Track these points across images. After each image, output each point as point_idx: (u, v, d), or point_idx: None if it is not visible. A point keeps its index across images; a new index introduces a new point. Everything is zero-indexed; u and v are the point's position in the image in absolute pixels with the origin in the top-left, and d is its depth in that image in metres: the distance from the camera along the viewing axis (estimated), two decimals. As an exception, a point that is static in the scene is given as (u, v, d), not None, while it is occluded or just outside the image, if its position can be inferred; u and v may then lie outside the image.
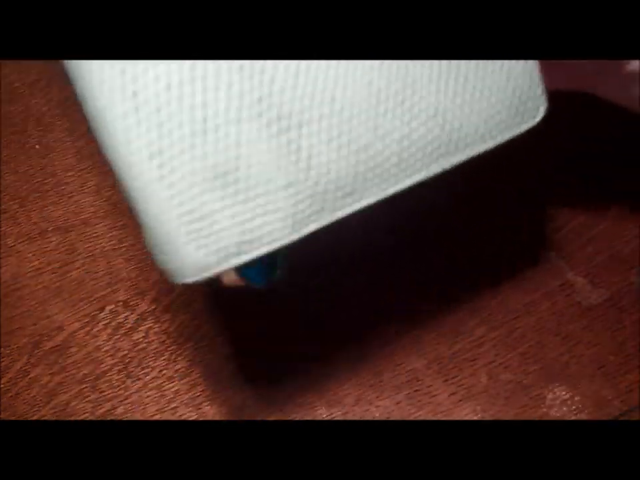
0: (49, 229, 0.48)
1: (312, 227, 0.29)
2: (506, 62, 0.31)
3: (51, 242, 0.47)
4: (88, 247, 0.47)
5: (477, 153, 0.30)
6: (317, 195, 0.29)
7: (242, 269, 0.30)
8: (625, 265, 0.43)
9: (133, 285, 0.45)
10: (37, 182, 0.49)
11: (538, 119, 0.31)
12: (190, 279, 0.29)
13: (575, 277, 0.43)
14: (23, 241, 0.47)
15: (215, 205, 0.28)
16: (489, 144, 0.30)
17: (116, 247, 0.47)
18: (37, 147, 0.50)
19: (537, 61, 0.31)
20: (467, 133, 0.30)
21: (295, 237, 0.29)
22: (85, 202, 0.48)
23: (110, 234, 0.47)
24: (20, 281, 0.46)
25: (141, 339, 0.44)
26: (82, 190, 0.48)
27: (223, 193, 0.29)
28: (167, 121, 0.30)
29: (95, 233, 0.47)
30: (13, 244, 0.47)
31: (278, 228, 0.29)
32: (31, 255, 0.47)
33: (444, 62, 0.30)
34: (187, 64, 0.31)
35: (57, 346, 0.44)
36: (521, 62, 0.31)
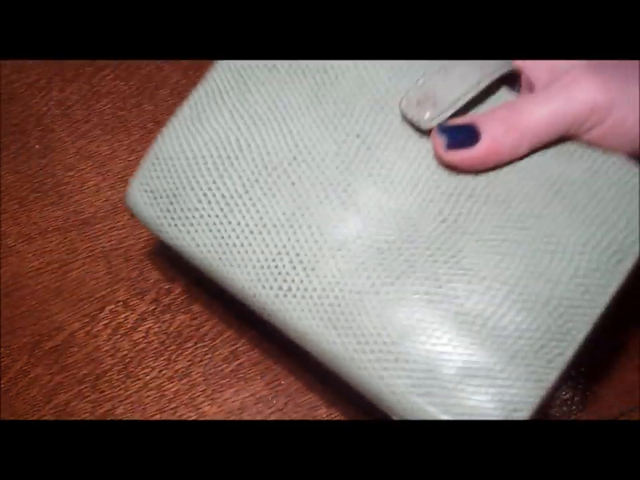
0: (49, 229, 0.48)
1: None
2: (611, 175, 0.32)
3: (51, 242, 0.47)
4: (88, 246, 0.47)
5: None
6: None
7: None
8: (624, 265, 0.43)
9: (133, 285, 0.45)
10: (37, 182, 0.49)
11: None
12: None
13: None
14: (23, 241, 0.47)
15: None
16: None
17: (116, 247, 0.47)
18: (37, 146, 0.50)
19: (623, 160, 0.32)
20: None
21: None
22: (85, 202, 0.48)
23: (110, 234, 0.47)
24: (20, 281, 0.46)
25: (141, 339, 0.44)
26: (82, 190, 0.48)
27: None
28: None
29: (95, 233, 0.47)
30: (13, 244, 0.47)
31: None
32: (30, 255, 0.47)
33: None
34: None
35: (56, 346, 0.44)
36: (621, 168, 0.32)
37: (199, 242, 0.35)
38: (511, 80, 0.34)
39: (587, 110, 0.31)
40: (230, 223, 0.35)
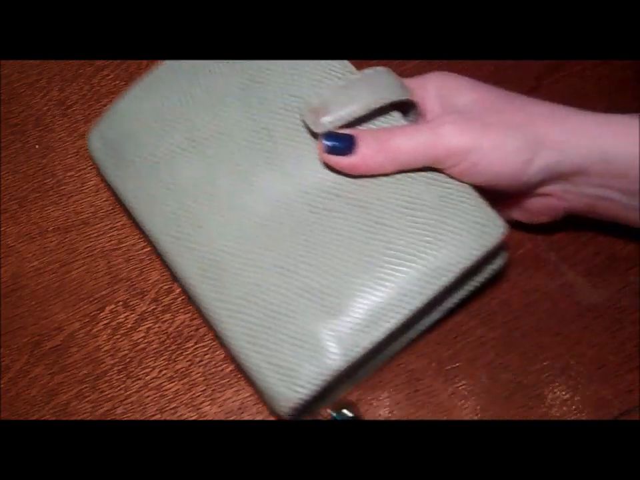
0: (49, 229, 0.48)
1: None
2: (457, 205, 0.38)
3: (51, 242, 0.47)
4: (88, 246, 0.47)
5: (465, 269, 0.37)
6: None
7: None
8: (624, 265, 0.43)
9: (133, 285, 0.45)
10: (37, 182, 0.49)
11: (502, 232, 0.38)
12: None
13: (575, 277, 0.43)
14: (23, 241, 0.47)
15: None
16: (470, 261, 0.37)
17: (116, 247, 0.47)
18: (37, 146, 0.50)
19: (479, 196, 0.38)
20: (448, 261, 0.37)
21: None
22: (85, 202, 0.48)
23: (110, 234, 0.47)
24: (20, 281, 0.46)
25: (141, 339, 0.44)
26: (82, 190, 0.48)
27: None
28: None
29: (95, 232, 0.47)
30: (13, 244, 0.47)
31: None
32: (30, 255, 0.47)
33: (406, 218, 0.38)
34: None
35: (57, 346, 0.44)
36: (467, 201, 0.38)
37: (128, 187, 0.42)
38: (410, 106, 0.41)
39: (443, 152, 0.37)
40: (154, 177, 0.42)
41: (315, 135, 0.40)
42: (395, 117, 0.40)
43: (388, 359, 0.41)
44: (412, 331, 0.40)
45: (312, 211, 0.39)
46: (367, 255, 0.38)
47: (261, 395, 0.40)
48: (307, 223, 0.39)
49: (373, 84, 0.40)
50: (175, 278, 0.44)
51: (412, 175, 0.39)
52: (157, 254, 0.45)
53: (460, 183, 0.38)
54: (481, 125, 0.37)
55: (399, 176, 0.39)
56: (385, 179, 0.39)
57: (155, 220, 0.41)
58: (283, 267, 0.38)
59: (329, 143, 0.38)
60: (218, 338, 0.41)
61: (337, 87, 0.40)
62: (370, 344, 0.36)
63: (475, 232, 0.37)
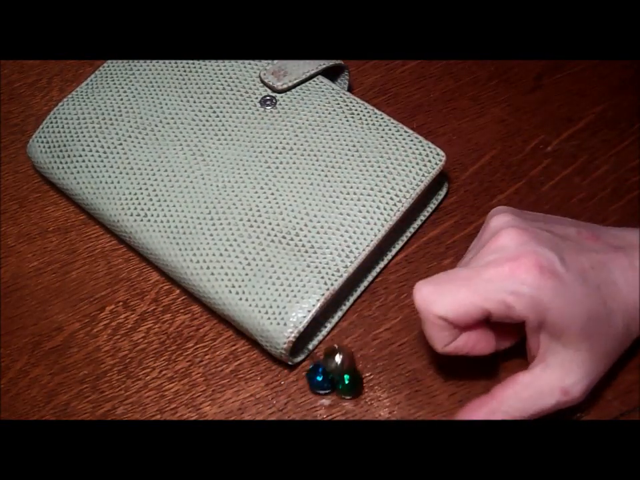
0: (49, 229, 0.48)
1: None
2: (399, 142, 0.44)
3: (51, 242, 0.47)
4: (88, 247, 0.47)
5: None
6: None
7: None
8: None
9: (133, 285, 0.45)
10: (37, 182, 0.49)
11: (442, 159, 0.43)
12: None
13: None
14: (23, 241, 0.47)
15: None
16: (420, 187, 0.43)
17: (116, 247, 0.47)
18: (37, 147, 0.50)
19: (411, 134, 0.44)
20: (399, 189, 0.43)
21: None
22: (85, 202, 0.48)
23: (110, 234, 0.47)
24: (20, 281, 0.46)
25: (141, 339, 0.44)
26: (82, 190, 0.48)
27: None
28: None
29: (95, 233, 0.47)
30: (13, 244, 0.47)
31: None
32: (30, 255, 0.47)
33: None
34: None
35: (57, 346, 0.44)
36: (407, 137, 0.44)
37: (79, 180, 0.45)
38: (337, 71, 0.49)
39: None
40: (105, 166, 0.45)
41: (259, 103, 0.46)
42: (324, 81, 0.47)
43: (368, 284, 0.44)
44: (383, 258, 0.45)
45: (269, 167, 0.44)
46: (329, 195, 0.42)
47: (256, 341, 0.41)
48: (266, 176, 0.43)
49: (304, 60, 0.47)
50: (145, 258, 0.46)
51: (352, 123, 0.44)
52: (125, 243, 0.47)
53: (397, 123, 0.45)
54: None
55: (341, 125, 0.45)
56: (329, 129, 0.44)
57: (114, 204, 0.44)
58: (251, 220, 0.42)
59: None
60: (205, 302, 0.42)
61: (282, 60, 0.46)
62: (347, 272, 0.40)
63: (419, 161, 0.43)
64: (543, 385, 0.36)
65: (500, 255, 0.35)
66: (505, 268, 0.34)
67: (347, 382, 0.40)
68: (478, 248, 0.37)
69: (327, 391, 0.41)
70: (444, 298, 0.35)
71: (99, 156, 0.45)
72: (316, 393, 0.41)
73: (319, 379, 0.40)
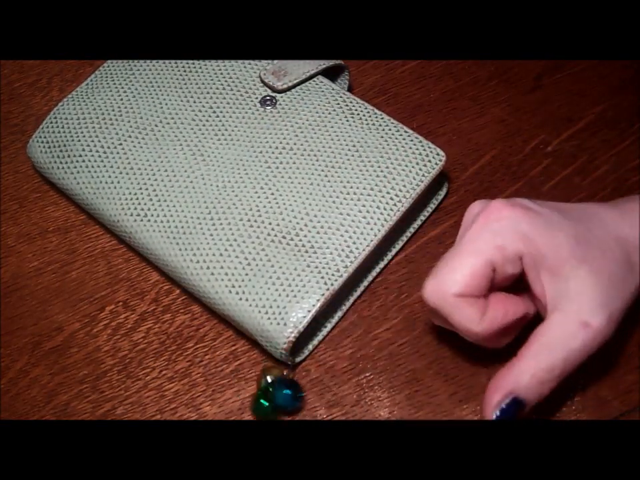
0: (49, 229, 0.48)
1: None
2: (399, 142, 0.44)
3: (51, 242, 0.47)
4: (88, 247, 0.47)
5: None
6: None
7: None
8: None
9: (133, 285, 0.45)
10: (37, 182, 0.49)
11: (442, 159, 0.43)
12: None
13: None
14: (23, 241, 0.47)
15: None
16: (420, 187, 0.43)
17: (116, 247, 0.47)
18: (37, 147, 0.50)
19: (411, 134, 0.44)
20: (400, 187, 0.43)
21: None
22: (85, 202, 0.48)
23: (110, 234, 0.47)
24: (20, 281, 0.46)
25: (141, 339, 0.44)
26: (82, 190, 0.48)
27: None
28: None
29: (95, 232, 0.47)
30: (13, 244, 0.47)
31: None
32: (31, 255, 0.47)
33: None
34: None
35: (57, 346, 0.44)
36: (407, 137, 0.44)
37: (79, 180, 0.45)
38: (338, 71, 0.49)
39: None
40: (105, 165, 0.45)
41: (259, 103, 0.46)
42: (325, 81, 0.47)
43: (368, 284, 0.44)
44: (383, 258, 0.44)
45: (269, 167, 0.44)
46: (329, 195, 0.42)
47: (256, 340, 0.41)
48: (266, 176, 0.43)
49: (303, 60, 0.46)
50: (145, 258, 0.45)
51: (352, 123, 0.44)
52: (125, 243, 0.46)
53: (397, 123, 0.45)
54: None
55: (341, 125, 0.45)
56: (329, 129, 0.44)
57: (114, 204, 0.44)
58: (251, 220, 0.42)
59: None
60: (205, 302, 0.42)
61: (281, 61, 0.46)
62: (347, 272, 0.40)
63: (419, 162, 0.43)
64: (563, 327, 0.35)
65: (473, 220, 0.37)
66: (480, 219, 0.36)
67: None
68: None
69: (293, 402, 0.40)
70: (447, 277, 0.36)
71: (99, 156, 0.45)
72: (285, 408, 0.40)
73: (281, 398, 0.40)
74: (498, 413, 0.35)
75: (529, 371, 0.35)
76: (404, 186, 0.42)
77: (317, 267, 0.40)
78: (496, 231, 0.36)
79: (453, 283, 0.35)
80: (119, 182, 0.44)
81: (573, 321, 0.35)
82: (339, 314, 0.43)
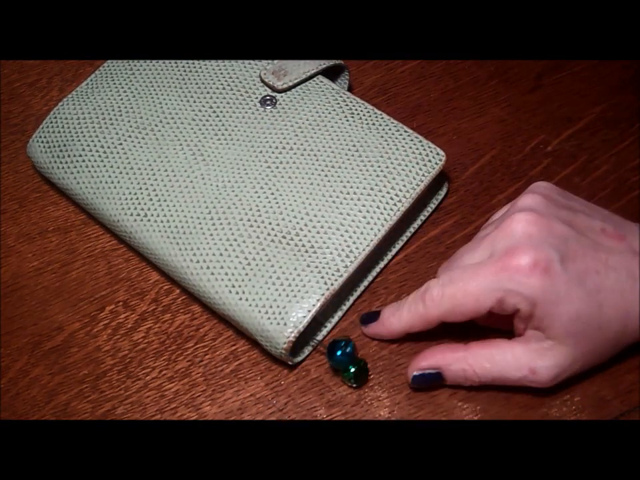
0: (49, 229, 0.48)
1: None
2: (399, 141, 0.44)
3: (51, 242, 0.47)
4: (88, 247, 0.47)
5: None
6: None
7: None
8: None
9: (133, 285, 0.45)
10: (37, 182, 0.49)
11: (442, 159, 0.43)
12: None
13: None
14: (23, 241, 0.47)
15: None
16: (420, 187, 0.43)
17: (116, 247, 0.47)
18: (37, 147, 0.50)
19: (411, 133, 0.44)
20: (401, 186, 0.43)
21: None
22: (85, 202, 0.48)
23: (110, 234, 0.47)
24: (20, 281, 0.46)
25: (141, 339, 0.44)
26: (82, 190, 0.48)
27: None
28: None
29: (95, 233, 0.47)
30: (13, 244, 0.47)
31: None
32: (30, 254, 0.47)
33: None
34: None
35: (57, 346, 0.44)
36: (407, 137, 0.44)
37: (79, 180, 0.45)
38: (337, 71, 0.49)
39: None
40: (105, 165, 0.45)
41: (260, 103, 0.46)
42: (325, 81, 0.47)
43: (368, 284, 0.44)
44: (383, 258, 0.45)
45: (269, 166, 0.44)
46: (329, 195, 0.42)
47: (256, 340, 0.41)
48: (266, 176, 0.43)
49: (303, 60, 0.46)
50: (145, 258, 0.46)
51: (352, 122, 0.45)
52: (125, 243, 0.46)
53: (397, 123, 0.45)
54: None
55: (341, 125, 0.45)
56: (329, 129, 0.44)
57: (114, 204, 0.44)
58: (251, 220, 0.42)
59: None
60: (205, 302, 0.42)
61: (281, 61, 0.46)
62: (347, 272, 0.40)
63: (419, 161, 0.43)
64: (516, 357, 0.37)
65: (506, 243, 0.36)
66: (499, 264, 0.36)
67: (355, 369, 0.40)
68: (499, 221, 0.38)
69: (346, 367, 0.40)
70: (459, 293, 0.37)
71: (99, 156, 0.45)
72: (333, 368, 0.41)
73: (339, 353, 0.40)
74: (417, 374, 0.39)
75: (464, 364, 0.38)
76: (404, 186, 0.43)
77: (317, 267, 0.40)
78: (505, 285, 0.36)
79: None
80: (118, 182, 0.44)
81: (527, 360, 0.37)
82: (339, 314, 0.43)
